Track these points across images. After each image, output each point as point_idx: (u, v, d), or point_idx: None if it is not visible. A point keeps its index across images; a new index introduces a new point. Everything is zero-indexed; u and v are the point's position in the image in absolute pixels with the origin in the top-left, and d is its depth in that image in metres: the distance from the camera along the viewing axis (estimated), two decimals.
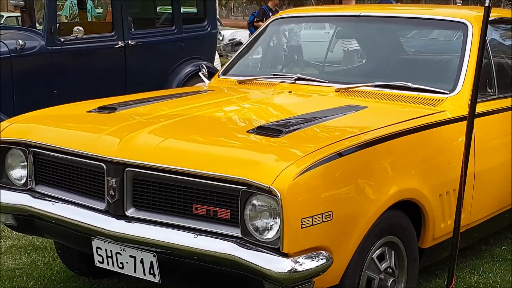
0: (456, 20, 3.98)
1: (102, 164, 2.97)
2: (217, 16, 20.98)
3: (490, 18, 4.04)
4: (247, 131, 3.02)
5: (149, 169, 2.87)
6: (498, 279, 3.90)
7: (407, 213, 3.23)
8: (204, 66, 4.50)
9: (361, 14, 4.26)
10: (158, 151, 2.90)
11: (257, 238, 2.69)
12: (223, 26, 20.34)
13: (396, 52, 4.33)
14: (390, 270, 3.13)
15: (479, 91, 3.76)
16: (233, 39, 17.26)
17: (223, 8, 60.04)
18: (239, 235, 2.72)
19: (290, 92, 3.89)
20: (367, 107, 3.54)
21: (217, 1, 23.66)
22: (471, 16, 3.98)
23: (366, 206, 2.89)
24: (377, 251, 3.07)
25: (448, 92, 3.68)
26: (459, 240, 3.17)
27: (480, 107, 3.69)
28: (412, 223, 3.26)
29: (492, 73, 3.92)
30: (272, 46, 4.61)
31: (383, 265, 3.10)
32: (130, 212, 2.94)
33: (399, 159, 3.15)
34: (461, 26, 3.91)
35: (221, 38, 16.53)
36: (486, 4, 2.90)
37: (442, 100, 3.64)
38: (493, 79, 3.91)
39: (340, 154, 2.82)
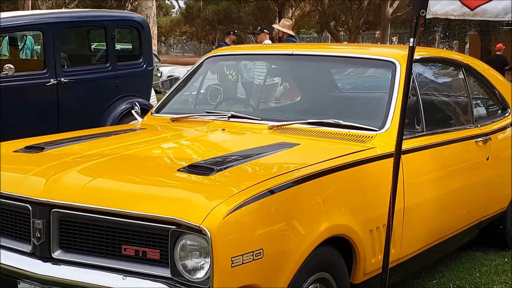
0: (385, 59, 4.08)
1: (28, 205, 2.90)
2: (155, 53, 21.02)
3: (419, 57, 4.21)
4: (178, 170, 3.00)
5: (76, 210, 2.82)
6: None
7: (338, 249, 3.25)
8: (137, 103, 4.47)
9: (293, 53, 4.33)
10: (85, 191, 2.85)
11: (187, 278, 2.66)
12: (161, 63, 20.34)
13: (328, 90, 4.41)
14: None
15: (407, 128, 3.89)
16: (172, 75, 17.26)
17: (163, 45, 60.12)
18: (169, 275, 2.68)
19: (223, 129, 3.89)
20: (299, 144, 3.57)
21: (156, 38, 23.67)
22: (399, 55, 4.09)
23: (298, 243, 2.90)
24: None
25: (377, 129, 3.75)
26: (387, 275, 3.20)
27: (408, 144, 3.80)
28: (344, 258, 3.29)
29: (420, 110, 4.02)
30: (207, 84, 4.62)
31: None
32: (57, 254, 2.87)
33: (330, 196, 3.18)
34: (390, 65, 4.01)
35: (159, 74, 16.51)
36: (410, 44, 2.99)
37: (372, 137, 3.71)
38: (421, 116, 4.01)
39: (271, 191, 2.84)
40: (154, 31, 23.14)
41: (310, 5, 37.83)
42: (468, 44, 35.84)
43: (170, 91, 4.58)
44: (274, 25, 10.92)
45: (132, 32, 7.77)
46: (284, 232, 2.85)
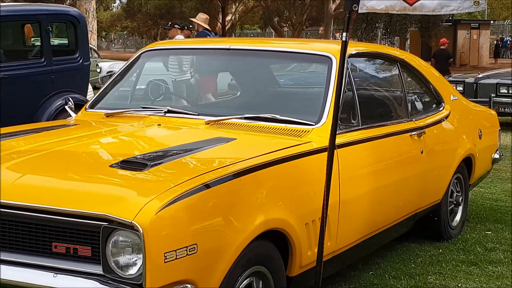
0: (321, 54, 4.11)
1: None
2: (95, 48, 20.67)
3: (355, 52, 4.26)
4: (111, 166, 2.96)
5: (5, 207, 2.74)
6: None
7: (274, 243, 3.27)
8: (70, 99, 4.38)
9: (230, 47, 4.32)
10: (15, 188, 2.78)
11: (120, 274, 2.62)
12: (101, 58, 20.02)
13: (266, 85, 4.41)
14: None
15: (343, 122, 3.94)
16: (112, 71, 17.00)
17: (103, 40, 59.22)
18: (101, 272, 2.64)
19: (159, 125, 3.86)
20: (236, 139, 3.57)
21: (96, 33, 23.29)
22: (336, 50, 4.12)
23: (233, 237, 2.90)
24: (244, 282, 3.07)
25: (314, 124, 3.78)
26: (322, 268, 3.22)
27: (344, 138, 3.84)
28: (280, 251, 3.30)
29: (356, 104, 4.06)
30: (142, 78, 4.57)
31: None
32: None
33: (266, 190, 3.18)
34: (326, 60, 4.04)
35: (98, 70, 16.25)
36: (343, 39, 3.01)
37: (308, 131, 3.73)
38: (357, 110, 4.05)
39: (207, 186, 2.83)
40: (93, 25, 22.76)
41: (254, 1, 37.91)
42: (409, 40, 36.55)
43: (105, 85, 4.51)
44: (191, 18, 10.85)
45: (68, 26, 7.63)
46: (219, 226, 2.84)
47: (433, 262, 4.78)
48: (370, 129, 4.14)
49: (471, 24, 35.08)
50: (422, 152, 4.60)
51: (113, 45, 62.17)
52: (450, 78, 12.84)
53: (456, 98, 5.33)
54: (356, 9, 2.97)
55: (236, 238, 2.91)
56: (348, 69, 4.05)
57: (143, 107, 4.18)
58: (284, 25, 41.20)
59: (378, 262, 4.75)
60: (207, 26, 9.74)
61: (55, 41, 7.88)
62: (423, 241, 5.22)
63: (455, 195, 5.33)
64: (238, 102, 4.34)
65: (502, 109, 11.81)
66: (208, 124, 3.83)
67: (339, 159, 3.70)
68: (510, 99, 11.72)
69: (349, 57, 4.10)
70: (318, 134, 3.73)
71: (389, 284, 4.34)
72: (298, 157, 3.43)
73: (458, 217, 5.45)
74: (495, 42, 39.61)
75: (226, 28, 37.29)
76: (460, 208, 5.46)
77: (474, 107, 5.85)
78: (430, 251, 5.03)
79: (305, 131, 3.72)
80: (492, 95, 11.75)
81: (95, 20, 23.46)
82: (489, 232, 5.55)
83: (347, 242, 3.89)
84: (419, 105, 4.99)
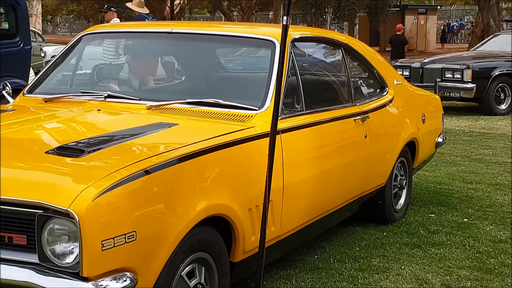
0: (264, 38, 4.08)
1: None
2: (39, 32, 20.18)
3: (298, 36, 4.24)
4: (46, 152, 2.88)
5: None
6: None
7: (217, 228, 3.24)
8: (8, 84, 4.25)
9: (172, 31, 4.25)
10: None
11: (56, 263, 2.57)
12: (45, 42, 19.57)
13: (210, 69, 4.36)
14: (200, 286, 3.12)
15: (287, 107, 3.92)
16: (56, 55, 16.62)
17: (49, 24, 57.92)
18: (37, 261, 2.58)
19: (99, 110, 3.77)
20: (178, 124, 3.52)
21: (40, 16, 22.75)
22: (279, 34, 4.10)
23: (173, 224, 2.87)
24: (186, 268, 3.05)
25: (257, 109, 3.75)
26: (264, 253, 3.21)
27: (287, 122, 3.83)
28: (224, 237, 3.28)
29: (300, 89, 4.05)
30: (83, 62, 4.46)
31: (193, 281, 3.08)
32: None
33: (208, 175, 3.15)
34: (269, 44, 4.01)
35: (43, 54, 15.86)
36: (284, 23, 2.99)
37: (252, 116, 3.70)
38: (301, 95, 4.04)
39: (147, 172, 2.79)
40: (38, 9, 22.23)
41: None
42: (357, 26, 36.82)
43: (44, 69, 4.40)
44: (127, 3, 10.64)
45: (8, 10, 7.40)
46: (159, 213, 2.81)
47: (377, 245, 4.84)
48: (314, 113, 4.13)
49: (419, 10, 35.60)
50: (366, 137, 4.63)
51: (59, 29, 60.85)
52: (397, 63, 13.00)
53: (400, 83, 5.38)
54: None
55: (177, 225, 2.88)
56: (291, 53, 4.04)
57: (83, 92, 4.08)
58: (234, 9, 41.05)
59: (323, 245, 4.78)
60: (141, 10, 9.60)
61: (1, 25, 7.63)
62: (368, 225, 5.28)
63: (399, 178, 5.39)
64: (181, 87, 4.28)
65: (448, 94, 12.01)
66: (149, 109, 3.77)
67: (282, 144, 3.69)
68: (455, 84, 11.91)
69: (292, 41, 4.09)
70: (262, 119, 3.70)
71: (333, 268, 4.36)
72: (241, 142, 3.41)
73: (402, 201, 5.51)
74: (442, 27, 40.23)
75: (175, 12, 36.94)
76: (404, 191, 5.53)
77: (418, 92, 5.92)
78: (375, 234, 5.09)
79: (249, 116, 3.70)
80: (438, 79, 11.92)
81: (40, 3, 22.88)
82: (433, 215, 5.64)
83: (291, 226, 3.89)
84: (363, 90, 5.02)
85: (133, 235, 2.66)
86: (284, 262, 4.37)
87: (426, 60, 12.56)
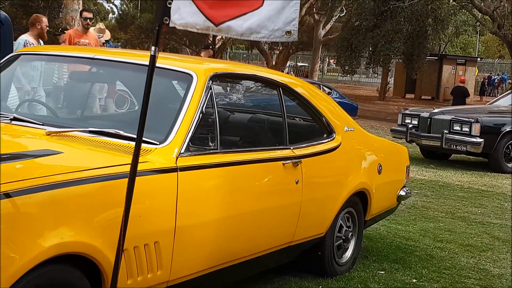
0: (183, 71, 3.92)
1: None
2: None
3: (220, 72, 4.06)
4: None
5: None
6: None
7: (83, 268, 3.04)
8: None
9: (95, 57, 4.12)
10: None
11: None
12: None
13: (124, 99, 4.20)
14: None
15: (197, 144, 3.72)
16: None
17: None
18: None
19: None
20: (62, 152, 3.35)
21: None
22: (200, 69, 3.94)
23: (8, 259, 2.65)
24: None
25: (158, 143, 3.57)
26: None
27: (192, 161, 3.62)
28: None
29: (216, 127, 3.84)
30: (6, 83, 4.35)
31: None
32: None
33: (67, 210, 2.92)
34: (186, 77, 3.85)
35: None
36: (152, 53, 2.81)
37: (150, 150, 3.52)
38: (216, 133, 3.83)
39: None
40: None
41: None
42: (394, 71, 36.56)
43: None
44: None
45: None
46: None
47: None
48: (230, 153, 3.91)
49: (457, 60, 35.14)
50: (297, 182, 4.38)
51: None
52: (406, 112, 12.69)
53: (352, 129, 5.12)
54: (167, 22, 2.76)
55: (14, 261, 2.67)
56: (210, 89, 3.85)
57: None
58: (275, 47, 41.17)
59: None
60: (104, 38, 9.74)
61: None
62: (306, 276, 4.98)
63: (344, 230, 5.09)
64: (92, 114, 4.13)
65: (454, 147, 11.63)
66: (49, 135, 3.62)
67: (179, 182, 3.49)
68: (462, 137, 11.51)
69: (213, 76, 3.91)
70: (160, 154, 3.52)
71: None
72: (119, 178, 3.19)
73: (348, 254, 5.21)
74: (481, 79, 39.60)
75: (216, 46, 37.22)
76: (351, 244, 5.23)
77: (376, 141, 5.64)
78: (308, 287, 4.79)
79: (147, 150, 3.50)
80: (445, 131, 11.56)
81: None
82: (382, 272, 5.32)
83: (188, 271, 3.64)
84: (302, 134, 4.77)
85: None
86: None
87: (435, 110, 12.21)
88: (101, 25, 10.62)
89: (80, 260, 3.02)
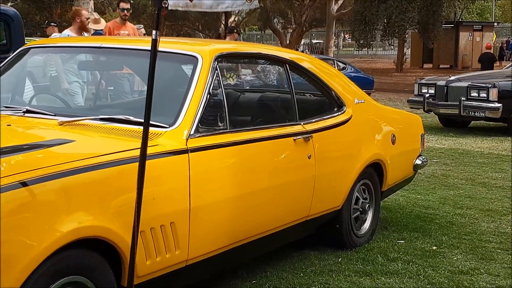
0: (188, 53, 3.96)
1: None
2: None
3: (225, 52, 4.09)
4: None
5: None
6: None
7: (103, 251, 3.11)
8: None
9: (102, 46, 4.18)
10: None
11: None
12: None
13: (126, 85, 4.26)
14: None
15: (207, 125, 3.76)
16: None
17: None
18: None
19: (8, 125, 3.71)
20: (74, 141, 3.42)
21: None
22: (205, 50, 3.97)
23: (27, 246, 2.74)
24: None
25: (167, 126, 3.62)
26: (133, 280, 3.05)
27: (202, 141, 3.67)
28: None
29: (224, 107, 3.88)
30: (19, 76, 4.43)
31: None
32: None
33: (81, 196, 2.99)
34: (192, 60, 3.89)
35: None
36: (153, 37, 2.85)
37: (160, 134, 3.57)
38: (225, 113, 3.87)
39: None
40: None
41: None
42: (410, 42, 36.22)
43: None
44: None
45: (1, 25, 7.52)
46: (7, 235, 2.68)
47: (324, 272, 4.59)
48: (239, 132, 3.96)
49: (474, 26, 34.70)
50: (309, 157, 4.41)
51: None
52: (422, 81, 12.61)
53: (362, 101, 5.13)
54: (166, 5, 2.81)
55: (33, 248, 2.75)
56: (216, 69, 3.88)
57: (6, 107, 4.04)
58: (288, 26, 40.99)
59: (267, 270, 4.57)
60: (97, 27, 9.74)
61: None
62: (325, 249, 5.03)
63: (360, 202, 5.13)
64: (102, 102, 4.19)
65: (472, 113, 11.55)
66: (61, 124, 3.69)
67: (190, 163, 3.54)
68: (480, 103, 11.43)
69: (218, 57, 3.94)
70: (170, 137, 3.57)
71: None
72: (130, 162, 3.25)
73: (366, 225, 5.25)
74: (500, 44, 39.09)
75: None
76: (369, 215, 5.27)
77: (388, 112, 5.64)
78: (328, 260, 4.84)
79: (157, 133, 3.56)
80: (462, 98, 11.49)
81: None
82: (402, 241, 5.35)
83: (205, 250, 3.71)
84: (312, 109, 4.79)
85: None
86: (214, 287, 4.20)
87: (451, 78, 12.12)
88: (95, 15, 10.63)
89: (100, 246, 3.10)
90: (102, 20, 10.60)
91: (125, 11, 9.17)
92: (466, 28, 34.05)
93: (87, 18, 8.16)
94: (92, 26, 9.59)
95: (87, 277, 3.05)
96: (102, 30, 9.62)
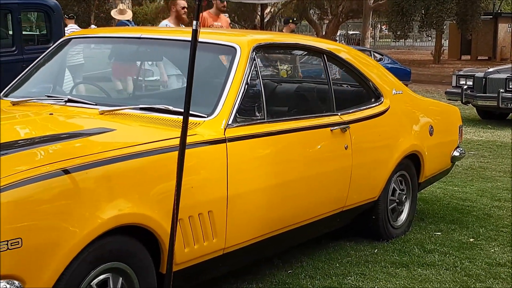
0: (227, 44, 3.99)
1: None
2: None
3: (263, 43, 4.11)
4: None
5: None
6: None
7: (142, 238, 3.17)
8: None
9: (141, 36, 4.23)
10: None
11: None
12: None
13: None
14: None
15: (245, 115, 3.79)
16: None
17: None
18: None
19: (51, 114, 3.79)
20: (115, 129, 3.48)
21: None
22: (243, 41, 3.99)
23: (69, 233, 2.80)
24: (98, 278, 2.98)
25: (206, 116, 3.66)
26: (171, 275, 3.10)
27: (240, 131, 3.70)
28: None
29: (262, 98, 3.90)
30: (60, 67, 4.51)
31: None
32: None
33: (121, 184, 3.05)
34: (230, 50, 3.91)
35: None
36: (194, 27, 2.88)
37: (199, 123, 3.61)
38: (262, 104, 3.89)
39: (44, 177, 2.74)
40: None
41: None
42: (448, 33, 35.73)
43: (23, 73, 4.48)
44: (111, 12, 10.85)
45: (42, 16, 7.65)
46: (50, 221, 2.74)
47: (361, 262, 4.60)
48: (277, 122, 3.97)
49: None
50: (346, 148, 4.42)
51: None
52: (460, 73, 12.45)
53: (400, 92, 5.10)
54: None
55: (76, 234, 2.82)
56: (254, 60, 3.91)
57: (48, 96, 4.12)
58: (325, 17, 40.76)
59: (302, 260, 4.59)
60: (123, 17, 9.76)
61: (35, 31, 7.89)
62: (362, 240, 5.03)
63: (397, 193, 5.11)
64: (142, 92, 4.24)
65: (511, 105, 11.38)
66: (102, 114, 3.75)
67: (228, 152, 3.58)
68: None
69: (256, 47, 3.96)
70: (209, 126, 3.61)
71: (301, 284, 4.18)
72: (169, 151, 3.30)
73: (403, 216, 5.23)
74: None
75: (265, 20, 37.10)
76: (406, 206, 5.24)
77: (426, 103, 5.60)
78: (364, 251, 4.84)
79: (196, 123, 3.59)
80: (501, 90, 11.32)
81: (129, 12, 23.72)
82: (439, 233, 5.32)
83: (242, 238, 3.75)
84: (349, 99, 4.79)
85: (18, 242, 2.62)
86: (250, 276, 4.23)
87: (490, 70, 11.94)
88: (121, 6, 10.70)
89: (139, 233, 3.15)
90: (129, 11, 10.63)
91: (224, 2, 8.70)
92: (505, 20, 33.42)
93: (183, 7, 7.95)
94: (116, 16, 9.66)
95: (127, 263, 3.11)
96: (127, 20, 9.68)
